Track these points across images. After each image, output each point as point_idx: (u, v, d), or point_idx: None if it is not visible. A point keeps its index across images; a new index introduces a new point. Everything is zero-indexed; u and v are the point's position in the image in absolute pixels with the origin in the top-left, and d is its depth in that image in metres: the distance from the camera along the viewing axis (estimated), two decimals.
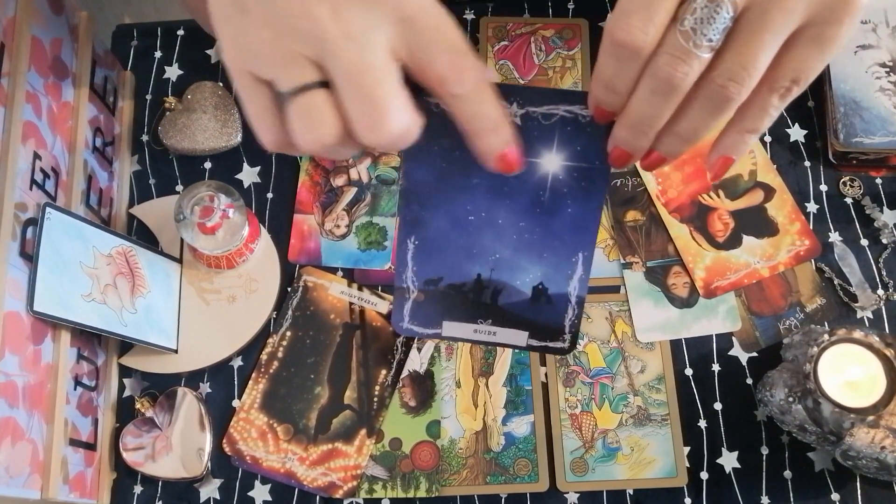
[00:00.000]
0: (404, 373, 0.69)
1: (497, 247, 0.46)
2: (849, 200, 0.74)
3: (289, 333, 0.70)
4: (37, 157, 0.60)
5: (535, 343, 0.50)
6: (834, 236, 0.73)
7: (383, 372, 0.69)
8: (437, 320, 0.50)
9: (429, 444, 0.67)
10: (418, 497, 0.66)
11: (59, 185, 0.63)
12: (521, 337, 0.50)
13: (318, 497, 0.66)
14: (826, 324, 0.70)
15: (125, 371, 0.69)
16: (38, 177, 0.60)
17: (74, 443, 0.61)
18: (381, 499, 0.66)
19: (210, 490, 0.66)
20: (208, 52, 0.79)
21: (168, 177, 0.75)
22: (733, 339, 0.70)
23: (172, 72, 0.78)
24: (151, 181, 0.75)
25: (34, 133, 0.60)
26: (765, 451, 0.67)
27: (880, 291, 0.71)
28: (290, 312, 0.70)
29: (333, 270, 0.72)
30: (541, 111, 0.42)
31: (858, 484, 0.66)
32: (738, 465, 0.67)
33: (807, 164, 0.76)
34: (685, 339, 0.70)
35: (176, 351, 0.68)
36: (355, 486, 0.66)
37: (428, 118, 0.42)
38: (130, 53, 0.80)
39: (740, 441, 0.68)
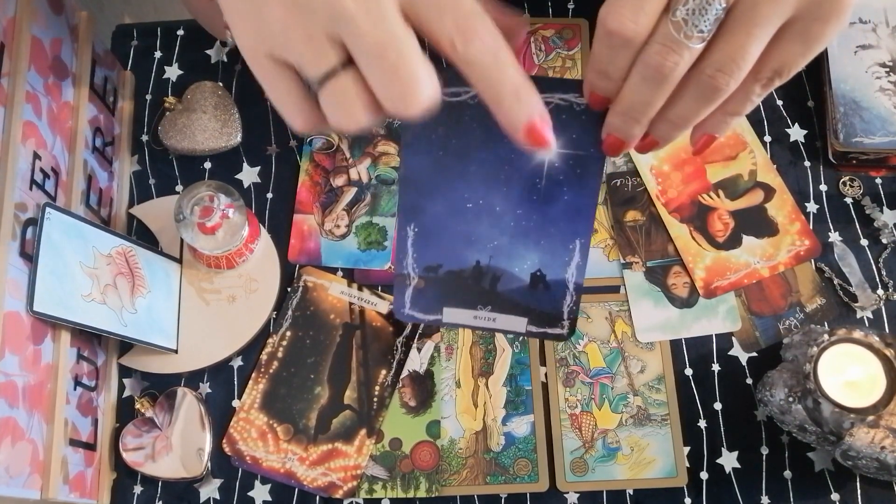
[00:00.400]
0: (404, 373, 0.69)
1: (495, 234, 0.47)
2: (849, 200, 0.74)
3: (289, 333, 0.70)
4: (37, 157, 0.60)
5: (534, 329, 0.50)
6: (834, 236, 0.73)
7: (383, 372, 0.69)
8: (437, 307, 0.50)
9: (429, 444, 0.67)
10: (418, 497, 0.66)
11: (59, 185, 0.63)
12: (520, 323, 0.50)
13: (318, 497, 0.66)
14: (826, 324, 0.70)
15: (125, 371, 0.69)
16: (38, 177, 0.60)
17: (74, 443, 0.61)
18: (381, 499, 0.66)
19: (210, 490, 0.66)
20: (208, 52, 0.79)
21: (168, 177, 0.75)
22: (733, 339, 0.70)
23: (172, 72, 0.78)
24: (151, 181, 0.75)
25: (34, 133, 0.60)
26: (765, 451, 0.67)
27: (880, 291, 0.71)
28: (290, 312, 0.70)
29: (333, 270, 0.72)
30: None
31: (858, 484, 0.66)
32: (738, 465, 0.67)
33: (807, 164, 0.76)
34: (685, 339, 0.70)
35: (176, 351, 0.68)
36: (355, 486, 0.66)
37: None
38: (130, 53, 0.80)
39: (740, 441, 0.68)
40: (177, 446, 0.66)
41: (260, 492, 0.66)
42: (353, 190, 0.74)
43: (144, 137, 0.76)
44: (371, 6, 0.34)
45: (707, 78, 0.37)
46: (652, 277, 0.72)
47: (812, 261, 0.72)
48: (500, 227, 0.47)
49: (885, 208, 0.74)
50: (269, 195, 0.74)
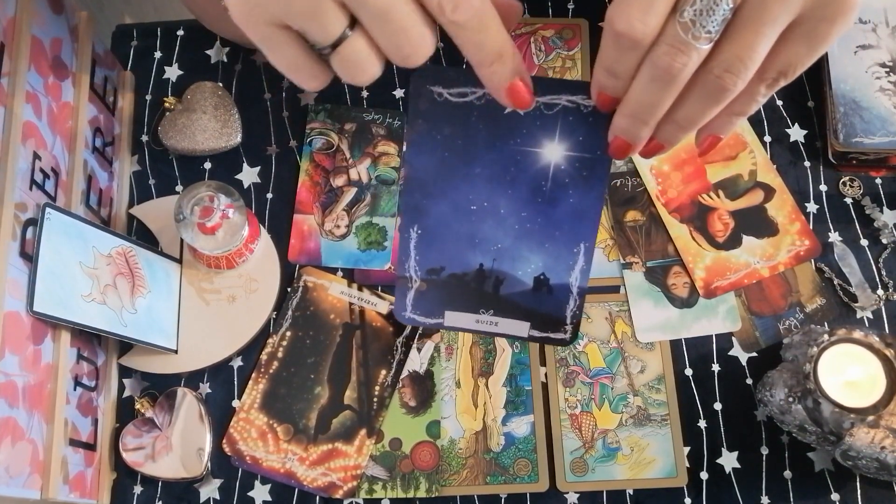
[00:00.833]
0: (404, 373, 0.69)
1: (499, 236, 0.46)
2: (849, 200, 0.74)
3: (289, 333, 0.70)
4: (37, 157, 0.60)
5: (536, 334, 0.50)
6: (834, 236, 0.73)
7: (383, 372, 0.69)
8: (439, 310, 0.50)
9: (429, 445, 0.67)
10: (418, 497, 0.66)
11: (59, 185, 0.63)
12: (522, 328, 0.50)
13: (318, 497, 0.66)
14: (826, 324, 0.70)
15: (125, 371, 0.69)
16: (38, 177, 0.60)
17: (74, 443, 0.61)
18: (381, 499, 0.66)
19: (210, 490, 0.66)
20: (208, 52, 0.79)
21: (168, 177, 0.75)
22: (733, 339, 0.70)
23: (172, 72, 0.78)
24: (151, 181, 0.75)
25: (34, 133, 0.60)
26: (765, 451, 0.67)
27: (880, 291, 0.71)
28: (290, 312, 0.70)
29: (333, 270, 0.72)
30: (543, 100, 0.42)
31: (858, 484, 0.66)
32: (738, 465, 0.67)
33: (807, 164, 0.76)
34: (685, 339, 0.70)
35: (176, 351, 0.68)
36: (355, 487, 0.66)
37: (431, 107, 0.42)
38: (130, 53, 0.80)
39: (740, 441, 0.68)
40: (177, 446, 0.66)
41: (260, 492, 0.66)
42: (353, 190, 0.74)
43: (144, 137, 0.76)
44: None
45: (714, 78, 0.37)
46: (652, 277, 0.72)
47: (812, 261, 0.72)
48: (504, 229, 0.46)
49: (885, 208, 0.74)
50: (269, 195, 0.74)
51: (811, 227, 0.73)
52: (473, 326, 0.50)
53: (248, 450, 0.67)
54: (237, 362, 0.70)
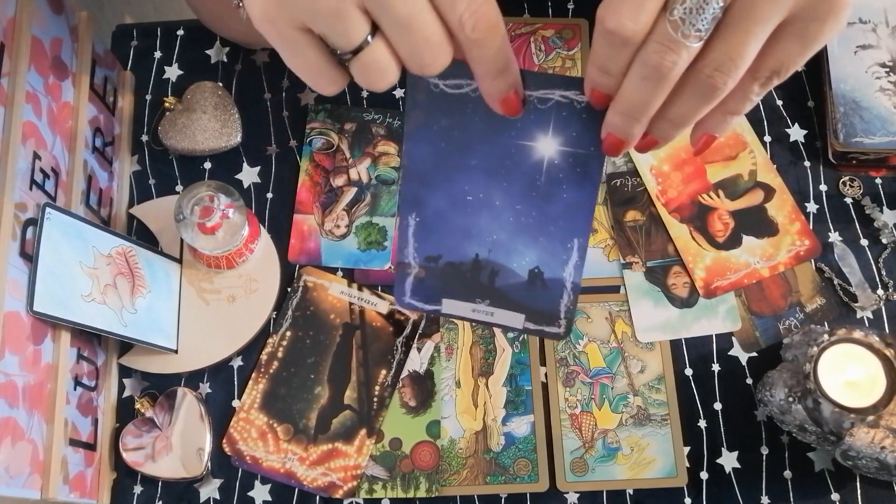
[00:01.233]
0: (404, 373, 0.69)
1: (494, 228, 0.47)
2: (849, 200, 0.74)
3: (289, 333, 0.70)
4: (37, 157, 0.60)
5: (531, 326, 0.50)
6: (834, 236, 0.73)
7: (383, 372, 0.69)
8: (437, 297, 0.50)
9: (429, 444, 0.67)
10: (418, 497, 0.66)
11: (59, 185, 0.63)
12: (517, 319, 0.50)
13: (318, 497, 0.66)
14: (826, 324, 0.70)
15: (125, 371, 0.69)
16: (38, 177, 0.60)
17: (74, 443, 0.61)
18: (381, 499, 0.66)
19: (210, 490, 0.66)
20: (208, 52, 0.79)
21: (168, 177, 0.75)
22: (733, 339, 0.70)
23: (172, 72, 0.78)
24: (151, 181, 0.75)
25: (34, 133, 0.60)
26: (765, 451, 0.67)
27: (880, 291, 0.71)
28: (290, 312, 0.70)
29: (333, 270, 0.72)
30: (537, 95, 0.42)
31: (858, 484, 0.66)
32: (738, 465, 0.67)
33: (807, 164, 0.76)
34: (685, 339, 0.70)
35: (176, 351, 0.68)
36: (355, 486, 0.66)
37: (428, 98, 0.42)
38: (130, 53, 0.80)
39: (740, 441, 0.68)
40: (177, 446, 0.66)
41: (260, 492, 0.66)
42: (353, 190, 0.74)
43: (144, 137, 0.76)
44: None
45: (705, 77, 0.37)
46: (652, 277, 0.72)
47: (812, 261, 0.72)
48: (499, 221, 0.47)
49: (885, 208, 0.74)
50: (269, 195, 0.74)
51: (811, 227, 0.73)
52: (470, 315, 0.51)
53: (248, 450, 0.67)
54: (237, 362, 0.70)
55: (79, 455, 0.62)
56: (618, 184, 0.75)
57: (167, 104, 0.75)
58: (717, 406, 0.69)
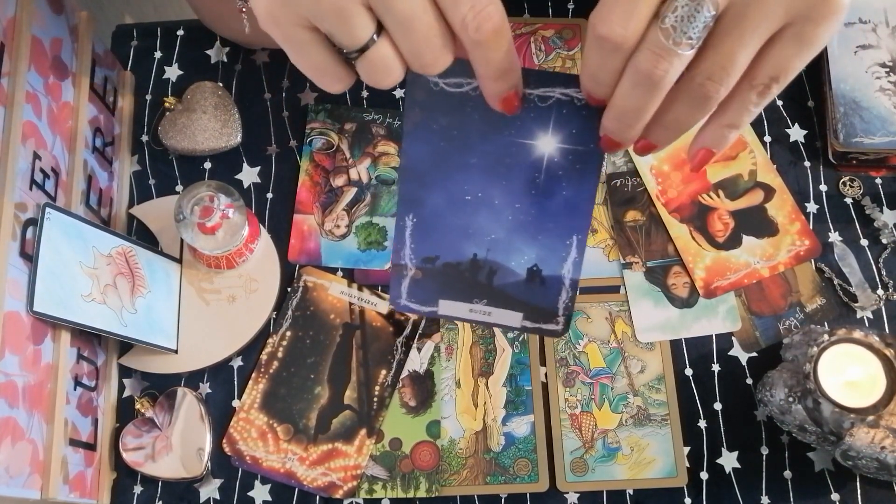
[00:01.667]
0: (404, 373, 0.69)
1: (493, 227, 0.47)
2: (849, 200, 0.74)
3: (289, 333, 0.70)
4: (37, 157, 0.60)
5: (529, 325, 0.50)
6: (834, 236, 0.73)
7: (383, 372, 0.69)
8: (433, 298, 0.50)
9: (429, 444, 0.67)
10: (418, 497, 0.66)
11: (59, 185, 0.63)
12: (515, 318, 0.50)
13: (318, 497, 0.66)
14: (826, 324, 0.70)
15: (125, 371, 0.69)
16: (38, 177, 0.60)
17: (74, 443, 0.61)
18: (381, 499, 0.66)
19: (210, 490, 0.66)
20: (208, 52, 0.79)
21: (168, 177, 0.75)
22: (733, 339, 0.70)
23: (172, 72, 0.78)
24: (151, 181, 0.75)
25: (34, 133, 0.60)
26: (765, 451, 0.67)
27: (880, 291, 0.71)
28: (290, 312, 0.70)
29: (333, 270, 0.72)
30: (537, 93, 0.42)
31: (858, 484, 0.66)
32: (738, 465, 0.67)
33: (807, 164, 0.76)
34: (685, 339, 0.70)
35: (176, 351, 0.68)
36: (355, 486, 0.66)
37: (428, 97, 0.42)
38: (130, 53, 0.80)
39: (740, 441, 0.68)
40: (177, 446, 0.66)
41: (260, 492, 0.66)
42: (353, 190, 0.74)
43: (144, 137, 0.76)
44: None
45: (697, 86, 0.37)
46: (652, 277, 0.72)
47: (812, 261, 0.72)
48: (498, 220, 0.46)
49: (885, 208, 0.74)
50: (269, 195, 0.74)
51: (811, 227, 0.73)
52: (467, 316, 0.50)
53: (248, 450, 0.67)
54: (237, 362, 0.70)
55: (79, 455, 0.62)
56: (618, 184, 0.75)
57: (167, 104, 0.75)
58: (717, 406, 0.69)
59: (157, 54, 0.79)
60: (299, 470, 0.66)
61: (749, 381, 0.69)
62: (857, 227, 0.73)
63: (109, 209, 0.72)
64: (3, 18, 0.58)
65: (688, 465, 0.67)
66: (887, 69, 0.75)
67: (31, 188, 0.58)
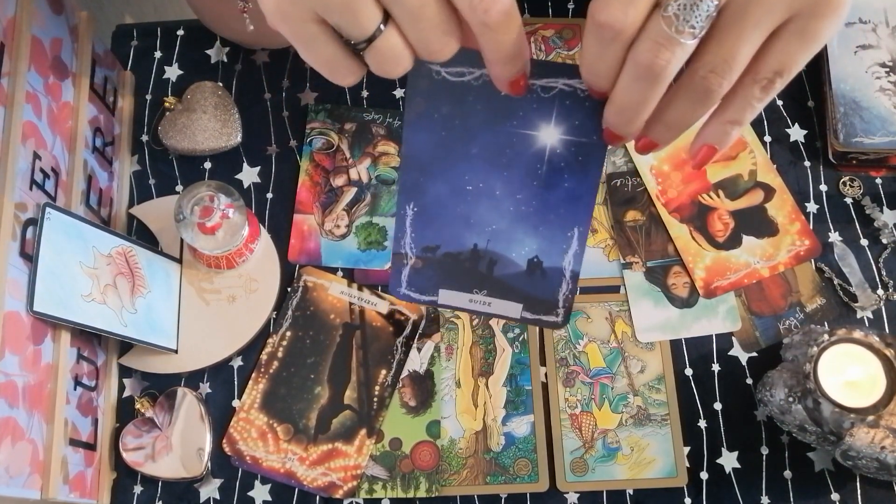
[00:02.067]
0: (404, 373, 0.69)
1: (494, 217, 0.47)
2: (849, 200, 0.74)
3: (289, 333, 0.70)
4: (37, 157, 0.60)
5: (528, 315, 0.50)
6: (834, 236, 0.73)
7: (383, 372, 0.69)
8: (433, 288, 0.50)
9: (429, 444, 0.67)
10: (418, 497, 0.66)
11: (59, 185, 0.63)
12: (515, 309, 0.50)
13: (318, 497, 0.66)
14: (826, 324, 0.70)
15: (125, 371, 0.69)
16: (38, 177, 0.60)
17: (74, 443, 0.61)
18: (381, 499, 0.66)
19: (210, 490, 0.66)
20: (208, 52, 0.79)
21: (168, 177, 0.75)
22: (733, 339, 0.70)
23: (172, 72, 0.78)
24: (151, 181, 0.75)
25: (34, 133, 0.60)
26: (765, 451, 0.67)
27: (880, 291, 0.71)
28: (290, 312, 0.70)
29: (333, 270, 0.72)
30: (540, 84, 0.42)
31: (858, 484, 0.66)
32: (738, 465, 0.67)
33: (807, 164, 0.76)
34: (685, 339, 0.70)
35: (176, 351, 0.68)
36: (355, 486, 0.66)
37: (430, 85, 0.42)
38: (130, 53, 0.80)
39: (740, 441, 0.68)
40: (177, 446, 0.66)
41: (260, 492, 0.66)
42: (353, 190, 0.74)
43: (144, 137, 0.76)
44: None
45: (699, 79, 0.37)
46: (652, 277, 0.72)
47: (812, 261, 0.72)
48: (499, 210, 0.46)
49: (885, 208, 0.74)
50: (269, 195, 0.74)
51: (811, 227, 0.73)
52: (467, 306, 0.50)
53: (248, 450, 0.67)
54: (237, 362, 0.70)
55: (79, 455, 0.62)
56: (618, 184, 0.75)
57: (167, 104, 0.75)
58: (717, 406, 0.69)
59: (157, 54, 0.79)
60: (299, 470, 0.66)
61: (749, 381, 0.69)
62: (857, 227, 0.73)
63: (109, 209, 0.72)
64: (3, 18, 0.58)
65: (688, 465, 0.67)
66: (887, 69, 0.75)
67: (31, 188, 0.58)
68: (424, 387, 0.69)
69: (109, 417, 0.67)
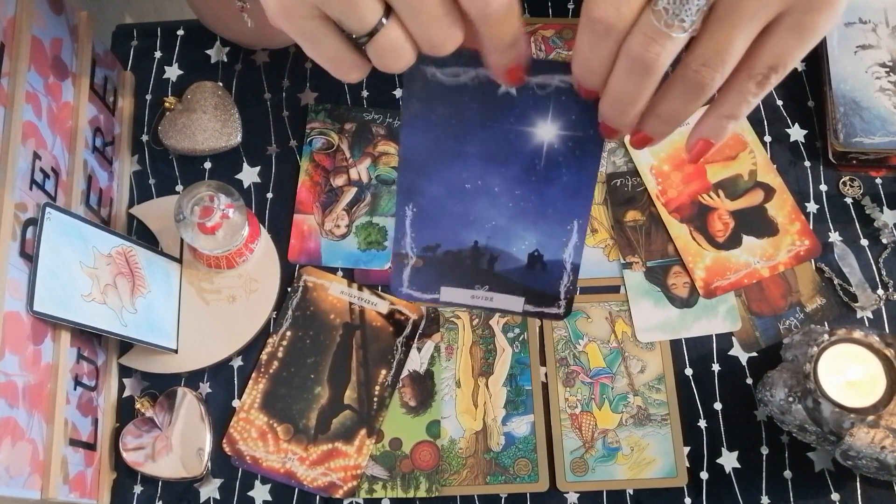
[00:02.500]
0: (404, 373, 0.69)
1: (493, 214, 0.47)
2: (849, 200, 0.74)
3: (289, 333, 0.70)
4: (37, 157, 0.60)
5: (530, 309, 0.51)
6: (834, 236, 0.73)
7: (383, 372, 0.69)
8: (435, 286, 0.50)
9: (429, 444, 0.67)
10: (418, 497, 0.66)
11: (59, 185, 0.63)
12: (517, 303, 0.50)
13: (318, 497, 0.66)
14: (826, 324, 0.70)
15: (125, 371, 0.69)
16: (38, 177, 0.60)
17: (74, 443, 0.61)
18: (381, 499, 0.66)
19: (210, 490, 0.66)
20: (208, 52, 0.79)
21: (168, 177, 0.75)
22: (733, 339, 0.70)
23: (172, 72, 0.78)
24: (151, 181, 0.75)
25: (34, 133, 0.60)
26: (765, 451, 0.67)
27: (880, 291, 0.71)
28: (290, 312, 0.70)
29: (333, 270, 0.72)
30: (536, 81, 0.42)
31: (858, 484, 0.66)
32: (738, 465, 0.67)
33: (807, 164, 0.76)
34: (685, 339, 0.70)
35: (176, 351, 0.68)
36: (355, 486, 0.66)
37: (424, 87, 0.42)
38: (130, 53, 0.80)
39: (740, 441, 0.68)
40: (177, 446, 0.66)
41: (260, 492, 0.66)
42: (353, 190, 0.74)
43: (144, 137, 0.76)
44: None
45: (692, 73, 0.37)
46: (652, 277, 0.72)
47: (812, 261, 0.72)
48: (498, 207, 0.47)
49: (885, 208, 0.74)
50: (269, 195, 0.74)
51: (811, 227, 0.73)
52: (469, 301, 0.51)
53: (248, 450, 0.67)
54: (237, 362, 0.70)
55: (79, 455, 0.62)
56: (618, 184, 0.75)
57: (167, 104, 0.75)
58: (717, 406, 0.69)
59: (157, 54, 0.79)
60: (299, 470, 0.66)
61: (749, 381, 0.69)
62: (857, 227, 0.73)
63: (109, 209, 0.72)
64: (3, 18, 0.58)
65: (688, 465, 0.67)
66: (887, 69, 0.75)
67: (31, 188, 0.58)
68: (424, 387, 0.69)
69: (109, 417, 0.67)
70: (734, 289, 0.71)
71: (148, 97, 0.78)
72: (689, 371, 0.70)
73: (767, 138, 0.76)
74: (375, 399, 0.68)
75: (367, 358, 0.69)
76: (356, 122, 0.76)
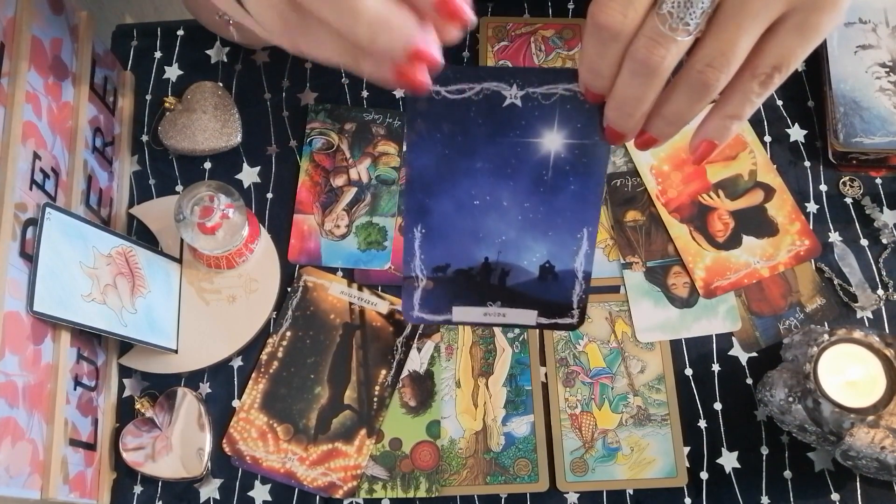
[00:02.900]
0: (404, 373, 0.69)
1: (503, 228, 0.47)
2: (849, 200, 0.74)
3: (289, 333, 0.70)
4: (37, 157, 0.60)
5: (544, 321, 0.50)
6: (834, 236, 0.73)
7: (383, 372, 0.69)
8: (446, 306, 0.50)
9: (429, 444, 0.67)
10: (418, 497, 0.66)
11: (59, 185, 0.63)
12: (530, 316, 0.50)
13: (318, 497, 0.66)
14: (826, 324, 0.70)
15: (125, 371, 0.69)
16: (38, 177, 0.60)
17: (74, 443, 0.61)
18: (381, 499, 0.66)
19: (210, 490, 0.66)
20: (208, 52, 0.79)
21: (168, 177, 0.75)
22: (733, 339, 0.70)
23: (172, 72, 0.78)
24: (151, 181, 0.75)
25: (34, 133, 0.60)
26: (765, 451, 0.67)
27: (880, 291, 0.71)
28: (290, 312, 0.70)
29: (333, 270, 0.72)
30: (540, 91, 0.42)
31: (858, 484, 0.66)
32: (738, 465, 0.67)
33: (807, 164, 0.76)
34: (685, 339, 0.70)
35: (176, 351, 0.68)
36: (355, 486, 0.66)
37: (429, 106, 0.42)
38: (130, 53, 0.80)
39: (740, 441, 0.68)
40: (177, 446, 0.66)
41: (260, 492, 0.66)
42: (353, 190, 0.74)
43: (144, 137, 0.76)
44: None
45: (697, 73, 0.37)
46: (652, 277, 0.72)
47: (812, 261, 0.72)
48: (507, 221, 0.47)
49: (885, 208, 0.74)
50: (269, 195, 0.74)
51: (811, 227, 0.73)
52: (482, 319, 0.51)
53: (248, 450, 0.67)
54: (237, 362, 0.70)
55: (79, 455, 0.62)
56: (618, 184, 0.75)
57: (167, 104, 0.75)
58: (717, 406, 0.69)
59: (157, 54, 0.79)
60: (299, 470, 0.66)
61: (749, 381, 0.69)
62: (857, 227, 0.73)
63: (109, 209, 0.72)
64: (3, 18, 0.58)
65: (688, 465, 0.67)
66: (887, 69, 0.75)
67: (31, 188, 0.58)
68: (424, 387, 0.69)
69: (109, 417, 0.67)
70: (734, 289, 0.71)
71: (148, 97, 0.78)
72: (689, 371, 0.70)
73: (767, 138, 0.76)
74: (375, 399, 0.68)
75: (367, 358, 0.69)
76: (356, 122, 0.76)
